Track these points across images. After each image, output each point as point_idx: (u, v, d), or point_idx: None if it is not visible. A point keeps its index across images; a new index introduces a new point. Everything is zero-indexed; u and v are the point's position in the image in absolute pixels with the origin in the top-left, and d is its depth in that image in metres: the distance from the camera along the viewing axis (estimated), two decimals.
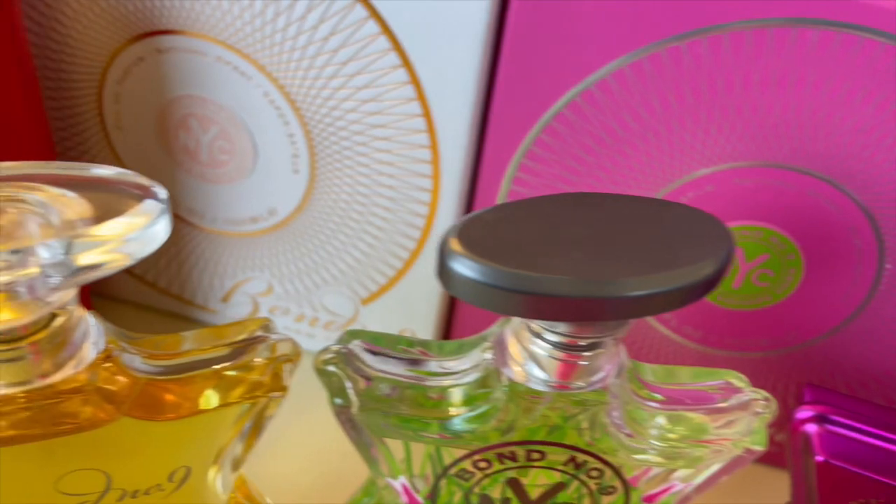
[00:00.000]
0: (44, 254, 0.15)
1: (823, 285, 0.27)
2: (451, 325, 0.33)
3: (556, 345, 0.18)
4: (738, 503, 0.29)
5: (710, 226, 0.18)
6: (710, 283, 0.17)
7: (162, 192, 0.16)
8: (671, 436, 0.21)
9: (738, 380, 0.22)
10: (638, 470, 0.22)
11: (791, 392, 0.30)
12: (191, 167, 0.29)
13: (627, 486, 0.22)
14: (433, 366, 0.20)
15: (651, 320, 0.29)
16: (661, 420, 0.21)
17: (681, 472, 0.22)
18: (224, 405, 0.20)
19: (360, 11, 0.24)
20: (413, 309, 0.31)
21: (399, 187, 0.28)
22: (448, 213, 0.28)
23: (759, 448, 0.21)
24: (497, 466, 0.20)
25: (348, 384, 0.20)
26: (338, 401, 0.20)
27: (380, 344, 0.21)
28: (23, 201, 0.16)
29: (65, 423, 0.17)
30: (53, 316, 0.17)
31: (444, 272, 0.16)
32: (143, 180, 0.16)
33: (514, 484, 0.21)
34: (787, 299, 0.27)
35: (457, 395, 0.19)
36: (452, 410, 0.19)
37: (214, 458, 0.21)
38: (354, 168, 0.27)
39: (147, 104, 0.28)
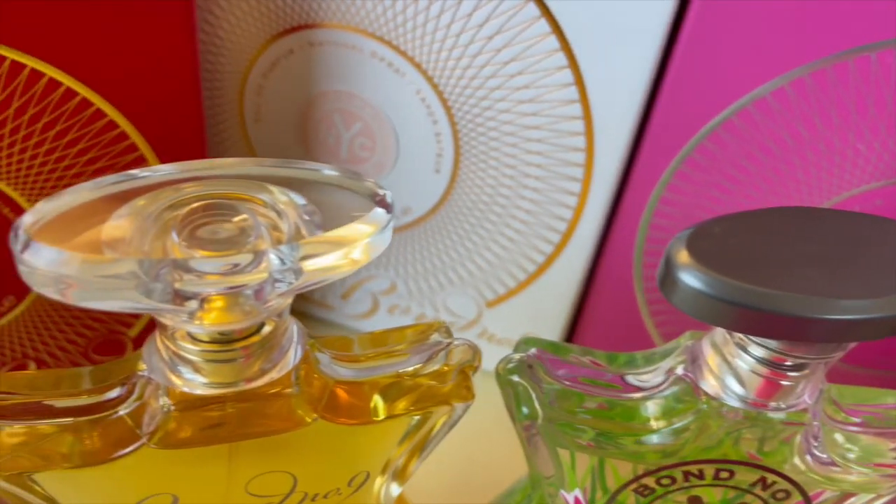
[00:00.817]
0: (274, 259, 0.14)
1: None
2: (575, 330, 0.32)
3: (761, 360, 0.18)
4: None
5: None
6: None
7: (390, 199, 0.16)
8: (850, 456, 0.21)
9: None
10: (814, 490, 0.21)
11: None
12: (327, 163, 0.29)
13: None
14: (630, 379, 0.19)
15: None
16: (840, 439, 0.20)
17: (855, 498, 0.21)
18: (405, 412, 0.19)
19: (532, 10, 0.23)
20: (541, 313, 0.31)
21: (544, 190, 0.27)
22: (593, 218, 0.27)
23: None
24: (681, 484, 0.20)
25: (533, 395, 0.19)
26: (525, 410, 0.19)
27: (557, 354, 0.20)
28: (253, 201, 0.15)
29: (266, 425, 0.17)
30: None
31: (669, 283, 0.16)
32: (374, 185, 0.16)
33: (695, 502, 0.20)
34: None
35: (653, 408, 0.19)
36: (653, 424, 0.19)
37: (384, 467, 0.20)
38: (499, 169, 0.27)
39: (290, 98, 0.28)
